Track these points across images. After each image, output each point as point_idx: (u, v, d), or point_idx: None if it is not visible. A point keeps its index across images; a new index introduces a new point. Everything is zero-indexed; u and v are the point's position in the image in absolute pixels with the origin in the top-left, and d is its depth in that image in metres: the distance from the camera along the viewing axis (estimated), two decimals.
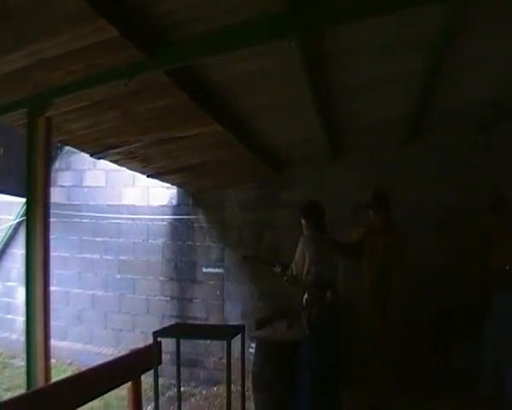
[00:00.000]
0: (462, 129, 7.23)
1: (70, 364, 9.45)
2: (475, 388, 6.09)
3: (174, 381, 7.13)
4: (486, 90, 5.95)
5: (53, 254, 4.81)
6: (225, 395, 5.62)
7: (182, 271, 9.23)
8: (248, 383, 6.44)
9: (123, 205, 9.69)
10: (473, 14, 4.01)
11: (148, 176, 8.19)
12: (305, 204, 6.27)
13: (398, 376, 6.30)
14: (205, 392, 8.43)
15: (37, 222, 4.63)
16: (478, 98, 6.24)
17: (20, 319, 9.59)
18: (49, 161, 4.86)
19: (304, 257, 5.93)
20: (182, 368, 6.60)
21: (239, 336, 6.04)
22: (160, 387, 6.06)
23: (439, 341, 7.18)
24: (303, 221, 6.19)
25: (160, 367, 5.71)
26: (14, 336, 10.16)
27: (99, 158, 6.87)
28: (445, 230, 7.42)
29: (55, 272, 8.30)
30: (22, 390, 5.36)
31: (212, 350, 8.74)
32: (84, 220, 9.88)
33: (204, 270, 9.04)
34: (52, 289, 4.80)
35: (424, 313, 7.24)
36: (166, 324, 7.89)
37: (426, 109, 6.23)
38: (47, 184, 4.74)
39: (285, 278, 6.20)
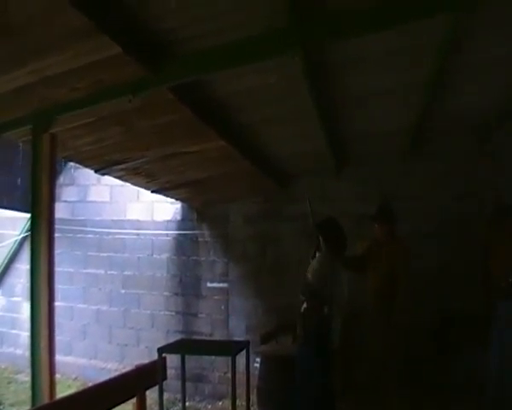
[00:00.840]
0: (462, 138, 7.22)
1: (75, 379, 9.44)
2: (478, 393, 6.06)
3: (179, 396, 7.15)
4: (488, 97, 5.95)
5: (57, 269, 4.84)
6: (230, 409, 5.61)
7: (186, 286, 9.21)
8: (253, 398, 6.43)
9: (127, 220, 9.70)
10: (472, 23, 4.02)
11: (152, 191, 8.20)
12: (324, 220, 6.01)
13: (401, 381, 6.28)
14: (210, 407, 8.41)
15: (41, 237, 4.65)
16: (479, 106, 6.25)
17: (25, 335, 9.59)
18: (53, 176, 4.90)
19: (324, 274, 5.85)
20: (187, 383, 6.60)
21: (244, 351, 6.03)
22: (164, 402, 6.05)
23: (441, 346, 7.17)
24: (321, 238, 6.04)
25: (164, 382, 5.70)
26: (18, 352, 10.16)
27: (103, 174, 6.89)
28: (446, 238, 7.40)
29: (60, 287, 8.27)
30: (27, 406, 5.38)
31: (216, 365, 8.71)
32: (89, 235, 9.89)
33: (208, 285, 9.03)
34: (57, 304, 4.83)
35: (426, 320, 7.21)
36: (171, 339, 7.90)
37: (428, 118, 6.24)
38: (51, 199, 4.77)
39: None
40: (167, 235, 9.40)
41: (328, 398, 5.68)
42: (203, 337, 8.84)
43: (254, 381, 6.46)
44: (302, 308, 5.86)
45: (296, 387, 5.75)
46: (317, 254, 5.95)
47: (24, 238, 10.20)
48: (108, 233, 9.73)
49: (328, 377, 5.74)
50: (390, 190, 7.61)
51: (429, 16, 3.70)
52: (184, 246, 9.29)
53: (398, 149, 7.48)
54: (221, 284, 8.96)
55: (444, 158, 7.58)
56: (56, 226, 4.81)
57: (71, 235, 9.79)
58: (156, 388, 5.63)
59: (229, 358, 5.74)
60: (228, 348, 6.45)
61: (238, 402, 5.68)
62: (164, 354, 5.70)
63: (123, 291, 9.59)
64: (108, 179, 8.17)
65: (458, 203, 7.42)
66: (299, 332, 5.84)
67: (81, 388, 6.80)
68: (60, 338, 5.38)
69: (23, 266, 10.17)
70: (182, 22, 3.58)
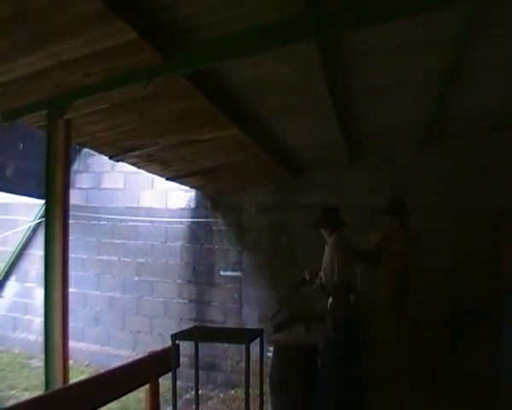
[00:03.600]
0: (476, 132, 7.17)
1: (87, 365, 9.49)
2: (490, 389, 6.04)
3: (192, 384, 7.15)
4: (503, 93, 5.88)
5: (71, 255, 4.83)
6: (243, 397, 5.63)
7: (200, 274, 9.23)
8: (266, 387, 6.42)
9: (141, 207, 9.72)
10: (488, 15, 3.97)
11: (166, 179, 8.21)
12: (316, 217, 6.24)
13: (413, 376, 6.26)
14: (222, 395, 8.41)
15: (55, 224, 4.65)
16: (493, 101, 6.18)
17: (38, 320, 9.67)
18: (68, 162, 4.89)
19: (333, 264, 5.88)
20: (199, 371, 6.60)
21: (257, 339, 6.02)
22: (177, 390, 6.05)
23: (453, 342, 7.15)
24: (322, 231, 6.17)
25: (177, 370, 5.70)
26: (31, 337, 10.25)
27: (118, 160, 6.89)
28: (459, 232, 7.36)
29: (73, 273, 8.31)
30: (40, 391, 5.40)
31: (229, 353, 8.73)
32: (103, 222, 9.93)
33: (222, 273, 9.04)
34: (70, 290, 4.83)
35: (439, 315, 7.18)
36: (184, 327, 7.90)
37: (442, 112, 6.19)
38: (66, 185, 4.76)
39: (314, 287, 6.14)
40: (181, 223, 9.40)
41: (352, 394, 5.69)
42: (216, 325, 8.85)
43: (267, 370, 6.46)
44: (328, 304, 5.86)
45: (321, 382, 5.78)
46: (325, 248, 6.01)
47: (38, 224, 10.26)
48: (122, 220, 9.75)
49: (357, 372, 5.76)
50: (403, 183, 7.58)
51: (443, 8, 3.65)
52: (198, 234, 9.30)
53: (412, 141, 7.44)
54: (234, 273, 8.96)
55: (458, 153, 7.52)
56: (70, 213, 4.81)
57: (84, 222, 9.84)
58: (169, 375, 5.63)
59: (243, 346, 5.73)
60: (242, 336, 6.44)
61: (250, 391, 5.66)
62: (177, 341, 5.70)
63: (136, 278, 9.62)
64: (122, 166, 8.19)
65: (472, 199, 7.35)
66: (328, 327, 5.83)
67: (93, 374, 6.81)
68: (73, 325, 5.38)
69: (37, 252, 10.23)
70: (197, 9, 3.55)
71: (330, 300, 5.86)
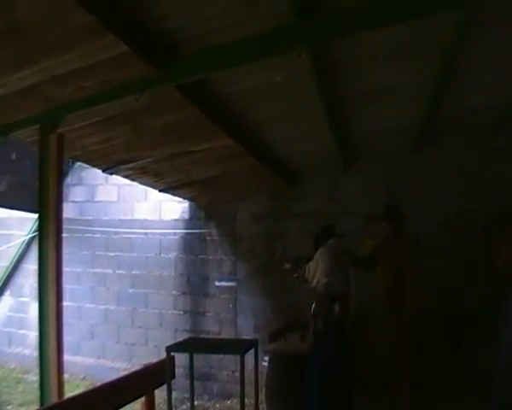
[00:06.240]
0: (473, 133, 7.19)
1: (83, 379, 9.46)
2: (488, 389, 6.05)
3: (188, 395, 7.13)
4: (499, 94, 5.91)
5: (65, 269, 4.83)
6: (239, 408, 5.61)
7: (194, 285, 9.22)
8: (262, 396, 6.42)
9: (135, 219, 9.72)
10: (483, 16, 4.00)
11: (160, 190, 8.22)
12: (317, 232, 6.32)
13: (412, 377, 6.28)
14: (218, 405, 8.40)
15: (49, 237, 4.65)
16: (490, 104, 6.21)
17: (33, 335, 9.61)
18: (61, 176, 4.89)
19: (317, 266, 5.92)
20: (195, 382, 6.60)
21: (252, 349, 6.03)
22: (173, 401, 6.05)
23: (452, 342, 7.18)
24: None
25: (173, 381, 5.70)
26: (27, 352, 10.19)
27: (111, 173, 6.90)
28: (455, 236, 7.38)
29: (68, 287, 8.31)
30: (36, 406, 5.38)
31: (225, 364, 8.70)
32: (97, 235, 9.91)
33: (216, 283, 9.03)
34: (65, 304, 4.82)
35: (437, 315, 7.21)
36: (179, 338, 7.90)
37: (437, 114, 6.21)
38: (59, 199, 4.76)
39: (295, 275, 6.19)
40: (175, 234, 9.40)
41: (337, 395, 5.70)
42: (211, 336, 8.84)
43: (263, 379, 6.46)
44: (312, 309, 5.88)
45: (308, 386, 5.78)
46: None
47: (32, 239, 10.24)
48: (116, 233, 9.74)
49: (340, 370, 5.76)
50: (397, 186, 7.59)
51: (437, 11, 3.67)
52: (192, 245, 9.30)
53: (407, 146, 7.46)
54: (229, 283, 8.96)
55: (454, 155, 7.55)
56: (64, 226, 4.81)
57: (79, 235, 9.82)
58: (164, 387, 5.63)
59: (238, 357, 5.72)
60: (236, 347, 6.44)
61: (246, 401, 5.67)
62: (172, 353, 5.70)
63: (131, 291, 9.60)
64: (116, 179, 8.19)
65: (468, 201, 7.37)
66: (311, 333, 5.86)
67: (89, 387, 6.80)
68: (68, 338, 5.37)
69: (31, 267, 10.19)
70: (189, 21, 3.58)
71: (314, 306, 5.89)
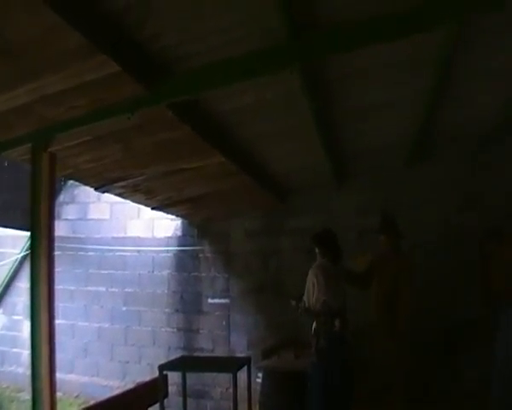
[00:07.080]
0: (463, 150, 7.25)
1: (77, 397, 9.41)
2: (486, 402, 6.05)
3: None
4: (487, 109, 5.96)
5: (58, 287, 4.82)
6: None
7: (187, 302, 9.21)
8: None
9: (128, 237, 9.71)
10: (473, 32, 4.04)
11: (152, 208, 8.22)
12: (319, 232, 6.20)
13: (407, 394, 6.27)
14: None
15: (41, 256, 4.63)
16: (478, 118, 6.26)
17: (26, 353, 9.52)
18: (53, 195, 4.89)
19: (313, 286, 5.90)
20: (188, 399, 6.59)
21: (245, 367, 6.02)
22: None
23: (449, 356, 7.17)
24: (316, 249, 6.16)
25: (166, 399, 5.69)
26: (20, 370, 10.14)
27: (103, 191, 6.91)
28: (446, 250, 7.40)
29: (61, 305, 8.30)
30: None
31: (218, 381, 8.67)
32: (89, 253, 9.90)
33: (210, 301, 9.03)
34: (57, 322, 4.81)
35: (433, 329, 7.20)
36: (173, 355, 7.88)
37: (428, 131, 6.25)
38: (51, 217, 4.76)
39: (299, 311, 6.16)
40: (168, 251, 9.40)
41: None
42: (204, 354, 8.82)
43: (256, 396, 6.44)
44: (313, 328, 5.87)
45: (311, 403, 5.76)
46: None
47: (24, 257, 10.21)
48: (109, 250, 9.73)
49: (343, 394, 5.74)
50: (392, 202, 7.61)
51: (428, 29, 3.71)
52: (185, 262, 9.30)
53: (398, 161, 7.50)
54: (222, 300, 8.95)
55: (444, 170, 7.60)
56: (57, 244, 4.80)
57: (72, 253, 9.78)
58: (158, 404, 5.62)
59: (231, 374, 5.72)
60: (229, 365, 6.44)
61: None
62: (165, 372, 5.69)
63: (124, 308, 9.58)
64: (108, 197, 8.18)
65: (458, 215, 7.42)
66: (313, 352, 5.83)
67: (83, 406, 6.77)
68: (61, 356, 5.36)
69: (24, 285, 10.15)
70: (180, 40, 3.59)
71: (314, 325, 5.88)
